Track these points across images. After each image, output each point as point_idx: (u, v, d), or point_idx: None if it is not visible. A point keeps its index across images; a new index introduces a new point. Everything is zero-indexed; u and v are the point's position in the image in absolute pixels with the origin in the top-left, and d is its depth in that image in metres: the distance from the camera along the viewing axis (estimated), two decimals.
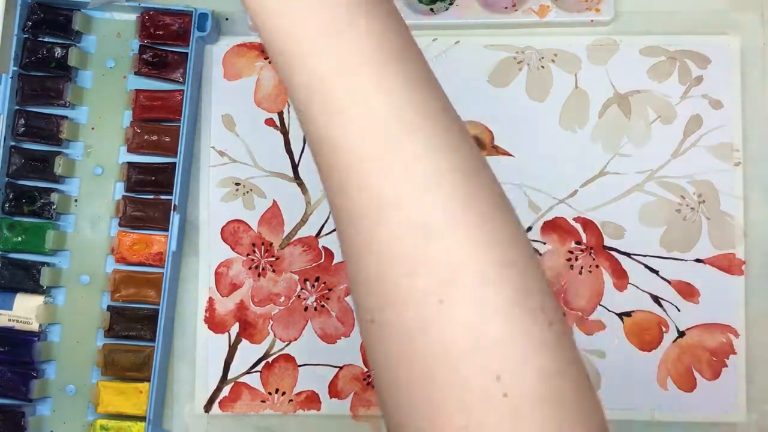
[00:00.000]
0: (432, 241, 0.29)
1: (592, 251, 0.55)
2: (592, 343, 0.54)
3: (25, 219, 0.55)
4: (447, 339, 0.29)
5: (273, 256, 0.56)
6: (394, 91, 0.30)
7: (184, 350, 0.55)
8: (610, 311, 0.55)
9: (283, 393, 0.55)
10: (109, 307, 0.55)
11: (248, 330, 0.55)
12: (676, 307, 0.55)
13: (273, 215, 0.56)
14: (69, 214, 0.56)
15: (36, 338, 0.53)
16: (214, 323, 0.55)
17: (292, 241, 0.56)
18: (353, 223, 0.33)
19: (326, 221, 0.56)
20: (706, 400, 0.54)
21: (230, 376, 0.55)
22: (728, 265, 0.55)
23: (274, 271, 0.56)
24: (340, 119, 0.31)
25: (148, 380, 0.53)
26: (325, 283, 0.55)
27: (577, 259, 0.55)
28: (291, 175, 0.56)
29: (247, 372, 0.55)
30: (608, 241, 0.55)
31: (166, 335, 0.54)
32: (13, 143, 0.55)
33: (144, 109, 0.55)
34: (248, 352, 0.55)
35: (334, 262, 0.55)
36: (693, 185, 0.55)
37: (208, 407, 0.55)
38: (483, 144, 0.56)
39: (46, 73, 0.55)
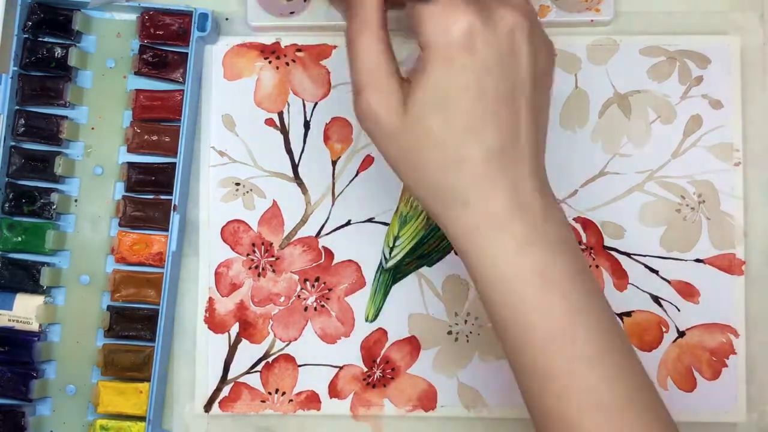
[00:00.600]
0: None
1: (592, 251, 0.55)
2: None
3: (25, 219, 0.55)
4: None
5: (273, 256, 0.56)
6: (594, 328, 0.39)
7: (184, 350, 0.55)
8: None
9: (283, 393, 0.55)
10: (109, 307, 0.55)
11: (248, 330, 0.55)
12: (676, 307, 0.55)
13: (273, 215, 0.56)
14: (69, 214, 0.56)
15: (36, 338, 0.53)
16: (214, 323, 0.55)
17: (292, 241, 0.56)
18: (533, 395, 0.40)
19: (326, 221, 0.56)
20: (706, 400, 0.54)
21: (230, 376, 0.55)
22: (728, 265, 0.55)
23: (274, 271, 0.56)
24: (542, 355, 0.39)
25: (148, 380, 0.53)
26: (325, 283, 0.55)
27: None
28: (291, 175, 0.56)
29: (247, 372, 0.55)
30: (608, 241, 0.55)
31: (166, 335, 0.54)
32: (13, 143, 0.55)
33: (144, 109, 0.55)
34: (248, 352, 0.55)
35: (334, 262, 0.56)
36: (693, 185, 0.55)
37: (208, 407, 0.55)
38: None
39: (46, 73, 0.55)
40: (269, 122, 0.56)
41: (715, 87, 0.55)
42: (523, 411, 0.54)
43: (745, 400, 0.54)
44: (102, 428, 0.53)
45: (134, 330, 0.54)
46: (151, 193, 0.55)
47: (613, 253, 0.55)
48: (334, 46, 0.56)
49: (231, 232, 0.56)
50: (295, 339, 0.55)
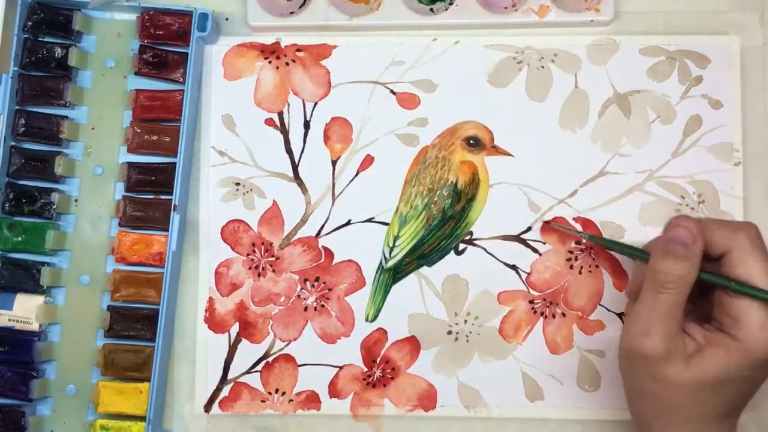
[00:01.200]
0: None
1: (592, 251, 0.55)
2: (592, 343, 0.54)
3: (25, 219, 0.55)
4: None
5: (273, 256, 0.56)
6: None
7: (184, 350, 0.55)
8: (610, 311, 0.55)
9: (283, 393, 0.55)
10: (109, 307, 0.55)
11: (248, 330, 0.55)
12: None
13: (273, 215, 0.56)
14: (69, 214, 0.56)
15: (36, 338, 0.53)
16: (214, 323, 0.55)
17: (292, 241, 0.56)
18: None
19: (326, 221, 0.56)
20: None
21: (230, 376, 0.55)
22: None
23: (274, 271, 0.56)
24: None
25: (148, 380, 0.53)
26: (325, 283, 0.55)
27: (577, 259, 0.55)
28: (291, 175, 0.56)
29: (247, 372, 0.55)
30: None
31: (166, 335, 0.54)
32: (13, 143, 0.55)
33: (144, 109, 0.55)
34: (248, 352, 0.55)
35: (334, 262, 0.56)
36: (693, 185, 0.55)
37: (208, 407, 0.55)
38: (483, 144, 0.56)
39: (46, 73, 0.55)
40: (269, 122, 0.56)
41: (715, 87, 0.55)
42: (523, 411, 0.55)
43: None
44: (102, 428, 0.53)
45: (134, 330, 0.54)
46: (151, 193, 0.55)
47: (613, 253, 0.55)
48: (334, 46, 0.56)
49: (231, 232, 0.56)
50: (295, 339, 0.55)
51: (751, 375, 0.43)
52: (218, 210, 0.56)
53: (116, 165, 0.56)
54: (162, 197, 0.55)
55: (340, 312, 0.55)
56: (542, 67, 0.56)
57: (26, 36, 0.55)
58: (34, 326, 0.54)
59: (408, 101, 0.56)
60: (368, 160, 0.56)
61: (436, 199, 0.55)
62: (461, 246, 0.55)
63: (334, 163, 0.56)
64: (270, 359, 0.55)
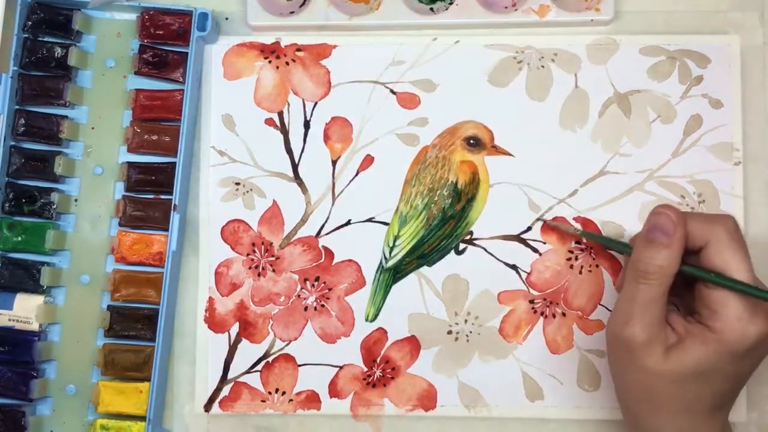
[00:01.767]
0: None
1: (592, 251, 0.55)
2: (592, 343, 0.54)
3: (25, 219, 0.55)
4: None
5: (273, 256, 0.56)
6: None
7: (184, 350, 0.56)
8: (610, 311, 0.55)
9: (283, 393, 0.55)
10: (109, 307, 0.55)
11: (248, 330, 0.55)
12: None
13: (273, 215, 0.56)
14: (69, 213, 0.56)
15: (36, 338, 0.53)
16: (214, 323, 0.55)
17: (292, 240, 0.56)
18: None
19: (326, 221, 0.56)
20: None
21: (230, 375, 0.55)
22: None
23: (274, 270, 0.56)
24: None
25: (148, 380, 0.53)
26: (325, 282, 0.55)
27: (577, 259, 0.55)
28: (291, 174, 0.56)
29: (247, 372, 0.55)
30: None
31: (166, 335, 0.54)
32: (13, 143, 0.55)
33: (144, 108, 0.55)
34: (248, 352, 0.55)
35: (334, 261, 0.56)
36: (693, 185, 0.55)
37: (208, 407, 0.55)
38: (483, 144, 0.56)
39: (46, 73, 0.55)
40: (269, 122, 0.56)
41: (715, 87, 0.55)
42: (523, 411, 0.55)
43: (745, 400, 0.54)
44: (102, 428, 0.53)
45: (134, 330, 0.54)
46: (151, 193, 0.55)
47: (613, 252, 0.55)
48: (334, 46, 0.56)
49: (231, 232, 0.56)
50: (295, 339, 0.55)
51: (732, 368, 0.43)
52: (218, 210, 0.56)
53: (116, 165, 0.56)
54: (162, 197, 0.55)
55: (340, 312, 0.55)
56: (542, 66, 0.56)
57: (26, 36, 0.55)
58: (34, 326, 0.54)
59: (408, 101, 0.56)
60: (368, 160, 0.56)
61: (436, 198, 0.55)
62: (461, 246, 0.55)
63: (334, 162, 0.56)
64: (270, 359, 0.55)
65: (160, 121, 0.56)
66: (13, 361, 0.53)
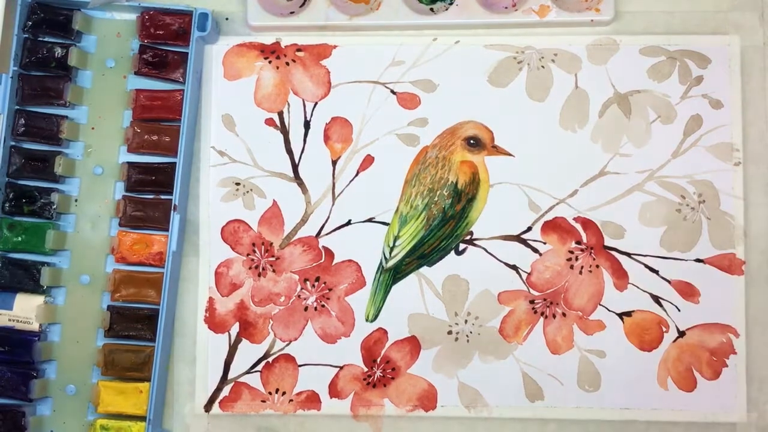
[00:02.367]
0: None
1: (593, 251, 0.55)
2: (592, 343, 0.55)
3: (25, 219, 0.55)
4: None
5: (273, 256, 0.56)
6: None
7: (184, 350, 0.55)
8: (610, 311, 0.55)
9: (284, 393, 0.55)
10: (109, 307, 0.55)
11: (248, 330, 0.55)
12: (676, 307, 0.55)
13: (273, 215, 0.56)
14: (69, 214, 0.56)
15: (36, 338, 0.53)
16: (214, 323, 0.55)
17: (292, 241, 0.56)
18: None
19: (326, 221, 0.56)
20: (706, 400, 0.54)
21: (230, 375, 0.55)
22: (728, 265, 0.55)
23: (274, 271, 0.56)
24: None
25: (148, 380, 0.53)
26: (325, 283, 0.55)
27: (577, 259, 0.55)
28: (291, 175, 0.56)
29: (248, 372, 0.55)
30: (608, 241, 0.55)
31: (166, 335, 0.54)
32: (13, 143, 0.55)
33: (144, 108, 0.55)
34: (248, 352, 0.55)
35: (334, 262, 0.56)
36: (693, 185, 0.55)
37: (208, 407, 0.55)
38: (483, 144, 0.56)
39: (46, 73, 0.55)
40: (269, 122, 0.56)
41: (715, 87, 0.55)
42: (523, 411, 0.55)
43: (745, 400, 0.54)
44: (102, 428, 0.53)
45: (134, 330, 0.54)
46: (151, 193, 0.55)
47: (613, 252, 0.55)
48: (335, 46, 0.56)
49: (231, 232, 0.56)
50: (296, 339, 0.55)
51: None
52: (218, 210, 0.56)
53: (116, 165, 0.56)
54: (162, 197, 0.55)
55: (340, 312, 0.55)
56: (542, 66, 0.56)
57: (26, 36, 0.55)
58: (34, 326, 0.54)
59: (408, 101, 0.56)
60: (368, 160, 0.56)
61: (436, 199, 0.55)
62: (461, 246, 0.55)
63: (334, 163, 0.56)
64: (270, 359, 0.55)
65: (160, 121, 0.56)
66: (13, 361, 0.53)
